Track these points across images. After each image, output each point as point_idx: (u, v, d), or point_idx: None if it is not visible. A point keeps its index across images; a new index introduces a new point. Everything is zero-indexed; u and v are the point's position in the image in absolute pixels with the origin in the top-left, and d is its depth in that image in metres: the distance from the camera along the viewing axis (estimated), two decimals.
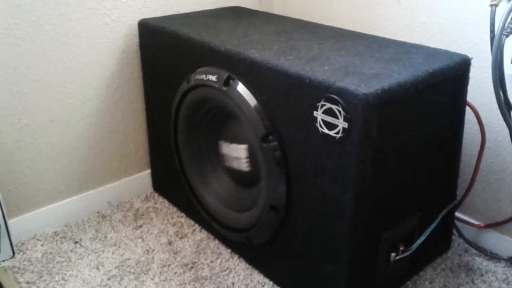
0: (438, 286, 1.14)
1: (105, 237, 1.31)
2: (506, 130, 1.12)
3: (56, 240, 1.29)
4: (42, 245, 1.28)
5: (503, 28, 0.98)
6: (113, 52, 1.31)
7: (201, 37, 1.13)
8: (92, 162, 1.38)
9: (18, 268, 1.19)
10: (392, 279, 1.08)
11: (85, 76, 1.28)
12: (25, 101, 1.20)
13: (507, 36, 0.99)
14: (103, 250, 1.26)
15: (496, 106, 1.06)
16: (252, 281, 1.16)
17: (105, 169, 1.41)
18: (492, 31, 1.03)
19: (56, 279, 1.16)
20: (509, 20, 1.00)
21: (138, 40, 1.34)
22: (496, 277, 1.17)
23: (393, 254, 1.01)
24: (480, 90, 1.17)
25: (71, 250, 1.26)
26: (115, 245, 1.28)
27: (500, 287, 1.14)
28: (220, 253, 1.25)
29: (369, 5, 1.35)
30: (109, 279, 1.16)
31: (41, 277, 1.17)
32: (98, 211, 1.42)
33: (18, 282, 1.15)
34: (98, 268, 1.19)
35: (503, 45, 1.00)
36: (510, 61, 1.05)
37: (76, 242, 1.29)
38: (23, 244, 1.28)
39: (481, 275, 1.18)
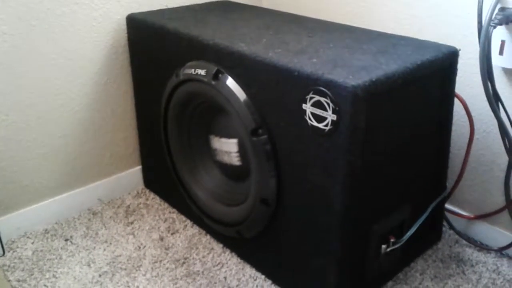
0: (429, 277, 1.15)
1: (96, 234, 1.30)
2: (495, 121, 1.13)
3: (47, 238, 1.29)
4: (32, 243, 1.27)
5: (490, 19, 0.99)
6: (101, 47, 1.30)
7: (189, 31, 1.12)
8: (82, 158, 1.37)
9: (9, 266, 1.18)
10: (383, 271, 1.08)
11: (73, 72, 1.27)
12: (12, 98, 1.19)
13: (494, 27, 0.99)
14: (94, 247, 1.25)
15: (485, 97, 1.06)
16: (244, 275, 1.16)
17: (95, 165, 1.40)
18: (479, 22, 1.04)
19: (47, 276, 1.15)
20: (496, 11, 1.01)
21: (126, 35, 1.33)
22: (487, 267, 1.18)
23: (383, 246, 1.02)
24: (468, 82, 1.18)
25: (61, 248, 1.25)
26: (106, 241, 1.27)
27: (491, 277, 1.15)
28: (212, 248, 1.24)
29: None
30: (100, 275, 1.16)
31: (32, 274, 1.16)
32: (89, 208, 1.41)
33: (9, 281, 1.14)
34: (89, 265, 1.19)
35: (491, 36, 1.00)
36: (497, 52, 1.06)
37: (67, 240, 1.28)
38: (13, 242, 1.27)
39: (472, 265, 1.19)
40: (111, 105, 1.38)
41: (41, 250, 1.24)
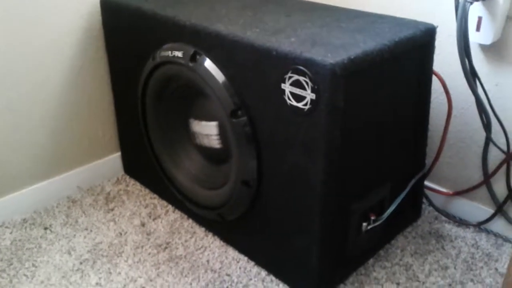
0: (409, 254, 1.16)
1: (76, 221, 1.28)
2: (472, 98, 1.14)
3: (25, 227, 1.26)
4: (10, 232, 1.24)
5: None
6: (75, 31, 1.27)
7: (166, 12, 1.10)
8: (59, 146, 1.34)
9: None
10: (364, 249, 1.10)
11: (47, 58, 1.24)
12: None
13: (471, 3, 1.00)
14: (74, 235, 1.23)
15: (462, 75, 1.07)
16: (227, 257, 1.16)
17: (73, 153, 1.38)
18: None
19: (26, 266, 1.14)
20: None
21: (101, 18, 1.30)
22: (466, 242, 1.20)
23: (364, 224, 1.03)
24: (446, 59, 1.18)
25: (41, 237, 1.23)
26: (86, 229, 1.26)
27: (470, 252, 1.17)
28: (194, 232, 1.24)
29: None
30: (81, 263, 1.14)
31: (11, 264, 1.14)
32: (68, 196, 1.39)
33: None
34: (69, 253, 1.17)
35: (467, 13, 1.00)
36: (474, 29, 1.06)
37: (46, 228, 1.26)
38: None
39: (451, 241, 1.21)
40: (87, 91, 1.35)
41: (20, 240, 1.22)
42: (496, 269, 1.12)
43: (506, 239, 1.21)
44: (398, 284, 1.08)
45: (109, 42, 1.31)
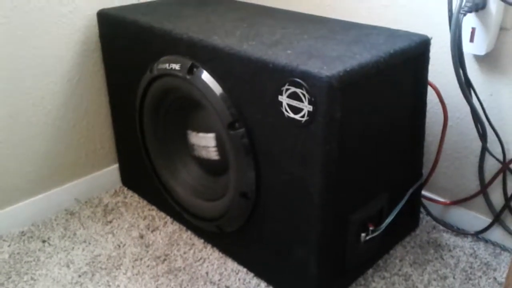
0: (408, 264, 1.17)
1: (74, 234, 1.28)
2: (468, 108, 1.15)
3: (23, 240, 1.26)
4: (8, 245, 1.24)
5: (460, 7, 1.00)
6: (72, 44, 1.28)
7: (162, 25, 1.11)
8: (57, 158, 1.34)
9: None
10: (363, 259, 1.10)
11: (44, 70, 1.24)
12: None
13: (464, 14, 1.01)
14: (73, 248, 1.23)
15: (457, 85, 1.08)
16: (226, 269, 1.15)
17: (71, 165, 1.38)
18: (450, 10, 1.05)
19: (25, 279, 1.13)
20: None
21: (98, 31, 1.31)
22: (464, 251, 1.21)
23: (363, 234, 1.03)
24: (441, 70, 1.19)
25: (39, 250, 1.23)
26: (85, 241, 1.25)
27: (468, 261, 1.17)
28: (193, 244, 1.24)
29: None
30: (80, 276, 1.14)
31: (9, 278, 1.13)
32: (66, 209, 1.39)
33: None
34: (68, 266, 1.17)
35: (461, 24, 1.02)
36: (468, 39, 1.07)
37: (44, 241, 1.26)
38: None
39: (449, 250, 1.21)
40: (84, 103, 1.35)
41: (18, 253, 1.21)
42: (495, 278, 1.12)
43: (504, 248, 1.21)
44: None
45: (106, 55, 1.32)
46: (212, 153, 1.14)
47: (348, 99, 0.86)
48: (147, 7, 1.30)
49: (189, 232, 1.28)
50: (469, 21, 1.06)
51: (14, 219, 1.29)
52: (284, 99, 0.88)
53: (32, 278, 1.13)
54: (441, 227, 1.29)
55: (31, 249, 1.23)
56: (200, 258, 1.19)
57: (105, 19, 1.26)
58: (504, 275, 1.13)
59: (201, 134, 1.15)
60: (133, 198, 1.43)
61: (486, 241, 1.24)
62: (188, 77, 1.03)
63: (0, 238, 1.27)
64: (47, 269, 1.16)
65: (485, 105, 1.14)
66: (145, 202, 1.41)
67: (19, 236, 1.28)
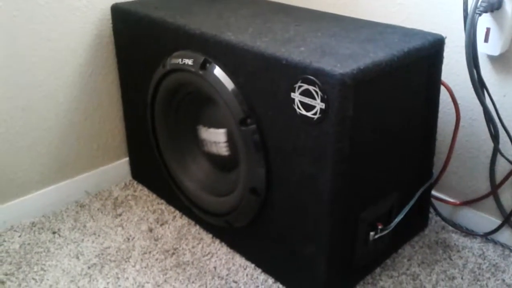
0: (416, 263, 1.16)
1: (84, 226, 1.29)
2: (480, 109, 1.14)
3: (34, 231, 1.27)
4: (19, 236, 1.25)
5: (475, 7, 0.99)
6: (86, 37, 1.28)
7: (175, 20, 1.11)
8: (68, 151, 1.35)
9: None
10: (371, 258, 1.10)
11: (57, 63, 1.25)
12: None
13: (479, 14, 1.00)
14: (83, 239, 1.24)
15: (470, 85, 1.07)
16: (234, 264, 1.16)
17: (82, 157, 1.39)
18: (465, 10, 1.05)
19: (35, 269, 1.14)
20: None
21: (111, 25, 1.32)
22: (473, 252, 1.20)
23: (372, 233, 1.03)
24: (454, 70, 1.19)
25: (49, 241, 1.24)
26: (94, 234, 1.26)
27: (477, 262, 1.17)
28: (201, 238, 1.24)
29: None
30: (89, 267, 1.15)
31: (20, 268, 1.15)
32: (76, 201, 1.40)
33: None
34: (78, 258, 1.18)
35: (476, 24, 1.01)
36: (483, 39, 1.07)
37: (54, 232, 1.27)
38: (0, 236, 1.26)
39: (458, 251, 1.21)
40: (97, 96, 1.36)
41: (29, 244, 1.23)
42: (503, 280, 1.12)
43: None
44: None
45: (119, 49, 1.32)
46: (223, 149, 1.15)
47: (361, 97, 0.86)
48: (161, 1, 1.30)
49: (197, 227, 1.28)
50: (484, 21, 1.05)
51: (25, 210, 1.31)
52: (296, 96, 0.88)
53: (42, 269, 1.15)
54: (450, 228, 1.28)
55: (42, 240, 1.24)
56: (208, 253, 1.20)
57: (119, 13, 1.26)
58: None
59: (211, 130, 1.15)
60: (142, 191, 1.44)
61: (495, 242, 1.23)
62: (200, 72, 1.03)
63: (11, 229, 1.28)
64: (57, 260, 1.17)
65: (498, 106, 1.13)
66: (154, 196, 1.42)
67: (30, 227, 1.29)
